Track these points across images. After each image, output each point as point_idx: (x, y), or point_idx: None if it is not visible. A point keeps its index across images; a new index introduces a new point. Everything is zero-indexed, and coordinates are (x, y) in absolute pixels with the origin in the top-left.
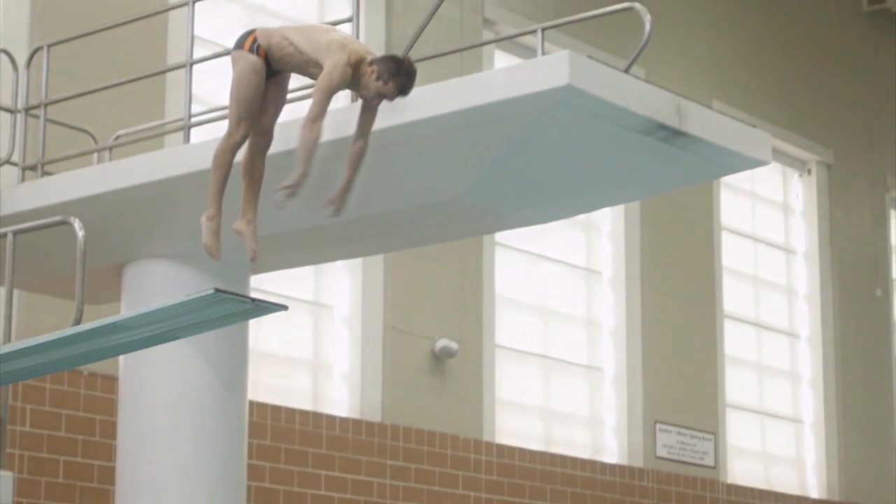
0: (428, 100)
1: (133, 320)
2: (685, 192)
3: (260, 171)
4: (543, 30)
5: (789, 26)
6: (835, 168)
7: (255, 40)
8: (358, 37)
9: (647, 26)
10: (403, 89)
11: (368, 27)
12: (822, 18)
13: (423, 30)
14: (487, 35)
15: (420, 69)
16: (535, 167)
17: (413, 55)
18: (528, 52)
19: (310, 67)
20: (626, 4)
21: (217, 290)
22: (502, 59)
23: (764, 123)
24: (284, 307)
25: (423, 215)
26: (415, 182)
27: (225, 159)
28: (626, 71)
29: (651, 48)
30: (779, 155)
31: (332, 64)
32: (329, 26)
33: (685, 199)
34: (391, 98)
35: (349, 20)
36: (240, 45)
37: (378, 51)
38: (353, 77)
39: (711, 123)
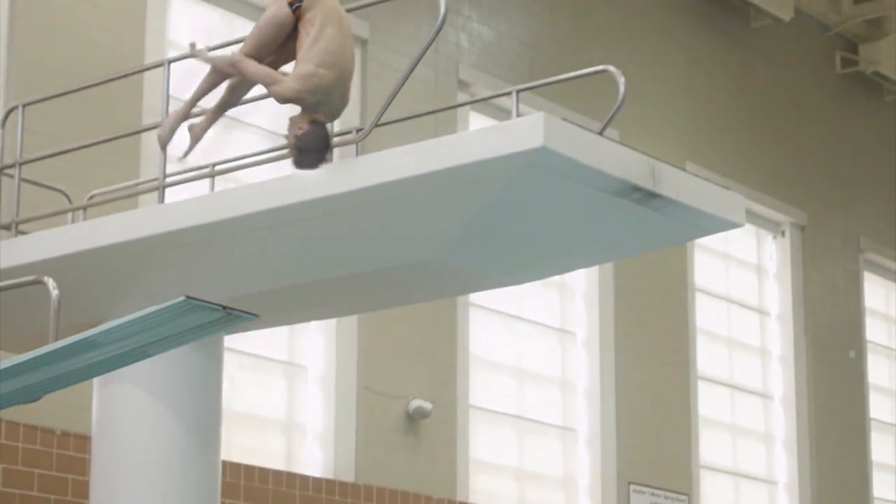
0: (403, 161)
1: (105, 335)
2: (659, 253)
3: (235, 101)
4: (518, 92)
5: (763, 88)
6: (808, 230)
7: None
8: None
9: (622, 88)
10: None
11: None
12: (795, 80)
13: (398, 91)
14: (462, 97)
15: (395, 130)
16: (510, 228)
17: (388, 116)
18: (503, 114)
19: None
20: (600, 67)
21: (188, 298)
22: (477, 121)
23: (737, 185)
24: (256, 315)
25: (398, 276)
26: (389, 242)
27: (220, 76)
28: (601, 133)
29: (625, 110)
30: (752, 217)
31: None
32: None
33: (659, 261)
34: (291, 154)
35: None
36: None
37: (353, 115)
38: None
39: (685, 185)
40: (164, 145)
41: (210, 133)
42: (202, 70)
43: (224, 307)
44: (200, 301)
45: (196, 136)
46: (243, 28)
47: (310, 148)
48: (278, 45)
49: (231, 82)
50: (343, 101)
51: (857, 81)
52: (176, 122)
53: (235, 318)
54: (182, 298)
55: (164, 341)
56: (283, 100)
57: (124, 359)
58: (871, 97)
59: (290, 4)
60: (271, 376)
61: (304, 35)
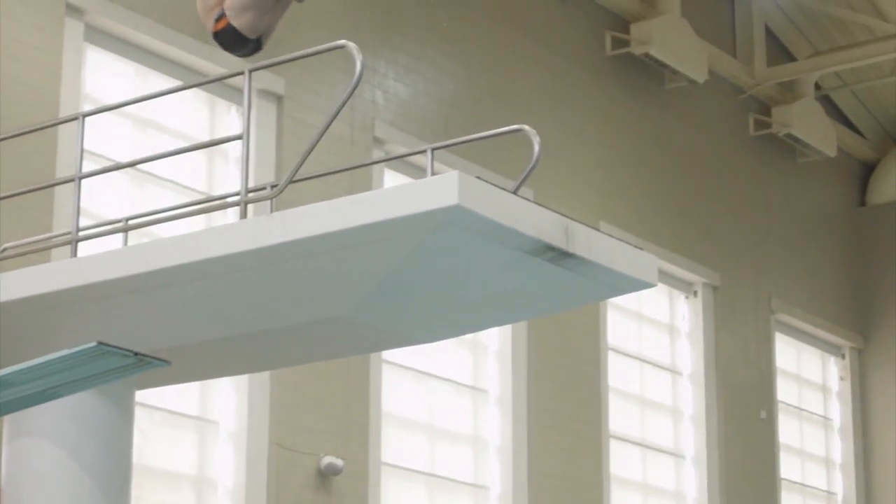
0: (318, 217)
1: (14, 375)
2: (572, 311)
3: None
4: (433, 150)
5: (677, 149)
6: (721, 290)
7: None
8: (248, 155)
9: (536, 148)
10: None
11: (259, 145)
12: (709, 142)
13: (313, 148)
14: (378, 154)
15: (310, 187)
16: (423, 286)
17: (303, 172)
18: (418, 172)
19: None
20: (515, 126)
21: (99, 343)
22: (392, 178)
23: (651, 245)
24: (168, 362)
25: (311, 332)
26: (303, 299)
27: None
28: (515, 192)
29: (540, 169)
30: (665, 276)
31: None
32: None
33: (572, 319)
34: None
35: (239, 137)
36: None
37: (268, 172)
38: None
39: (599, 245)
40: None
41: (124, 188)
42: (115, 124)
43: (136, 353)
44: (112, 346)
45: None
46: (159, 83)
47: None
48: None
49: None
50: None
51: (770, 143)
52: None
53: (147, 363)
54: (94, 343)
55: (76, 384)
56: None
57: (35, 399)
58: (784, 159)
59: None
60: (182, 431)
61: None
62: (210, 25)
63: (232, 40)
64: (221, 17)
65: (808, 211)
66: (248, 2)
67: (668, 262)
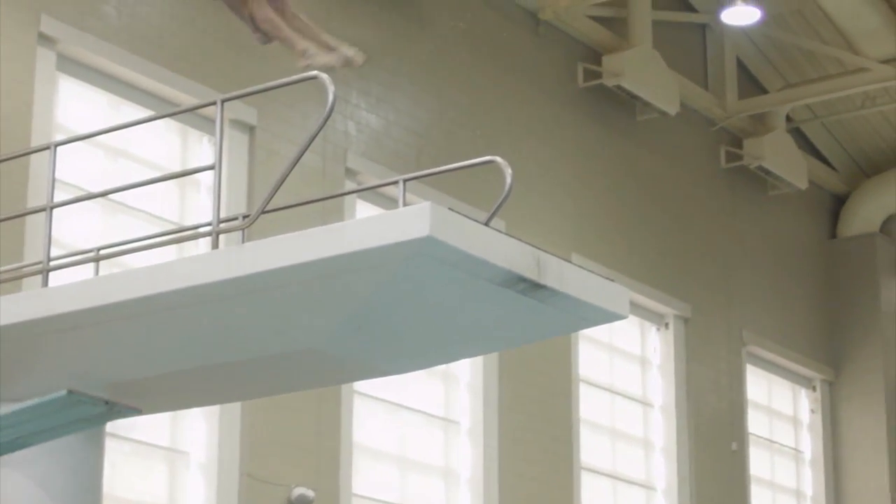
0: (289, 248)
1: None
2: (544, 343)
3: (295, 19)
4: (405, 181)
5: (649, 181)
6: (692, 322)
7: None
8: (220, 185)
9: (508, 179)
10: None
11: (231, 175)
12: (681, 174)
13: (285, 178)
14: (350, 185)
15: (282, 217)
16: (395, 317)
17: (275, 203)
18: (390, 203)
19: None
20: (487, 158)
21: (70, 392)
22: (364, 209)
23: (623, 277)
24: (139, 410)
25: (283, 363)
26: (274, 330)
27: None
28: (487, 223)
29: (512, 200)
30: (637, 308)
31: None
32: None
33: (544, 351)
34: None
35: (211, 168)
36: None
37: (240, 202)
38: None
39: (570, 277)
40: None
41: (95, 217)
42: (87, 154)
43: (106, 401)
44: (82, 395)
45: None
46: (131, 113)
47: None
48: None
49: None
50: None
51: (741, 175)
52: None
53: (117, 412)
54: (64, 392)
55: (46, 432)
56: None
57: (4, 448)
58: (755, 191)
59: None
60: (153, 462)
61: None
62: None
63: None
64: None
65: (779, 243)
66: None
67: (640, 294)
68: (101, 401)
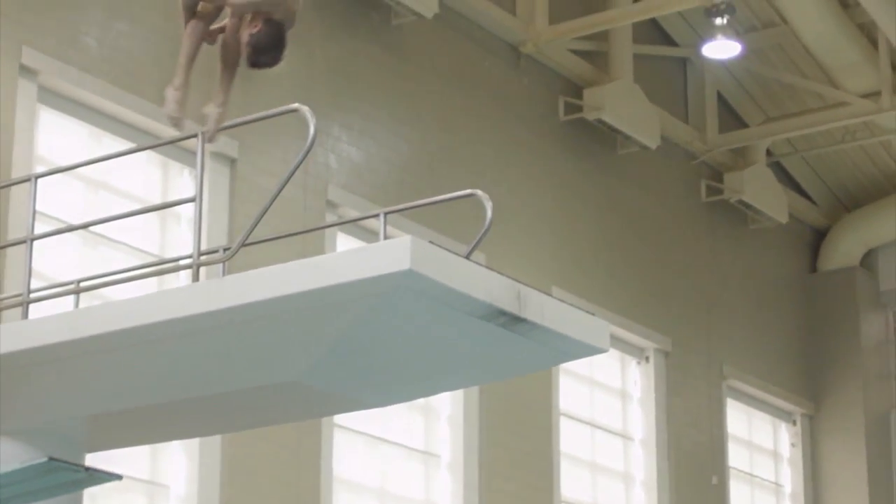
0: (270, 281)
1: None
2: (524, 376)
3: (234, 55)
4: (386, 214)
5: (630, 214)
6: (672, 356)
7: None
8: (201, 218)
9: (489, 213)
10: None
11: (212, 207)
12: (661, 207)
13: (265, 211)
14: (330, 217)
15: (263, 250)
16: (376, 351)
17: (256, 236)
18: (371, 236)
19: None
20: (468, 191)
21: (51, 459)
22: (345, 242)
23: (603, 310)
24: (119, 476)
25: (264, 396)
26: (255, 362)
27: (196, 28)
28: (468, 256)
29: (492, 233)
30: (617, 342)
31: None
32: None
33: (524, 384)
34: (245, 54)
35: (192, 200)
36: None
37: (220, 235)
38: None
39: (551, 310)
40: (177, 125)
41: (76, 250)
42: (68, 186)
43: (87, 468)
44: (63, 462)
45: (218, 115)
46: (112, 145)
47: (263, 47)
48: None
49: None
50: (297, 3)
51: (721, 209)
52: (182, 95)
53: (97, 478)
54: (45, 459)
55: (27, 495)
56: (239, 9)
57: None
58: (735, 225)
59: None
60: (133, 495)
61: None
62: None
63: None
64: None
65: (759, 277)
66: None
67: (620, 328)
68: (81, 467)
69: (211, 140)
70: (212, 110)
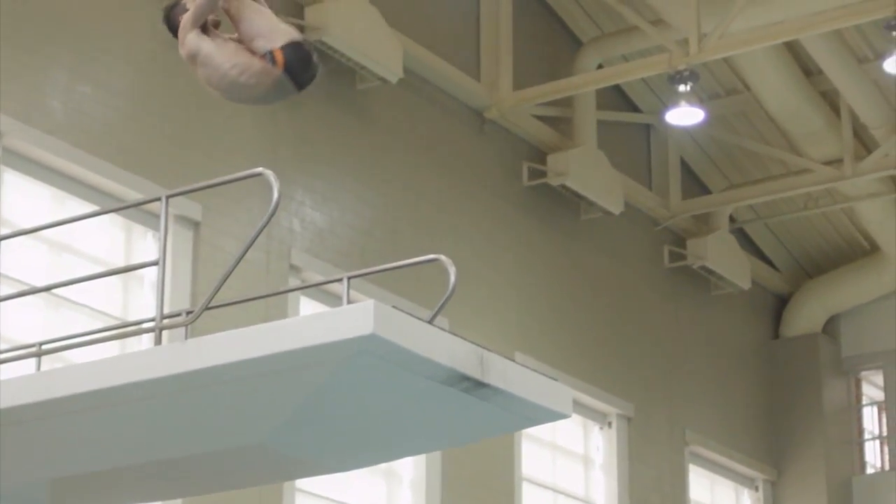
0: (232, 345)
1: None
2: (487, 441)
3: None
4: (349, 278)
5: (593, 280)
6: (635, 421)
7: None
8: (164, 281)
9: (452, 277)
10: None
11: (175, 270)
12: (624, 273)
13: (229, 275)
14: (294, 281)
15: (226, 314)
16: (338, 415)
17: (219, 299)
18: (334, 300)
19: None
20: (431, 256)
21: None
22: (308, 306)
23: (566, 376)
24: None
25: (226, 460)
26: (218, 426)
27: None
28: (431, 321)
29: (456, 298)
30: (580, 407)
31: None
32: None
33: (486, 449)
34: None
35: (155, 263)
36: None
37: (183, 298)
38: None
39: (513, 375)
40: None
41: (38, 312)
42: (31, 248)
43: None
44: None
45: None
46: (75, 208)
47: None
48: None
49: None
50: None
51: (684, 275)
52: None
53: None
54: None
55: None
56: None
57: None
58: (698, 291)
59: None
60: None
61: None
62: (269, 68)
63: (301, 60)
64: (269, 55)
65: (722, 343)
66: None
67: (583, 393)
68: None
69: None
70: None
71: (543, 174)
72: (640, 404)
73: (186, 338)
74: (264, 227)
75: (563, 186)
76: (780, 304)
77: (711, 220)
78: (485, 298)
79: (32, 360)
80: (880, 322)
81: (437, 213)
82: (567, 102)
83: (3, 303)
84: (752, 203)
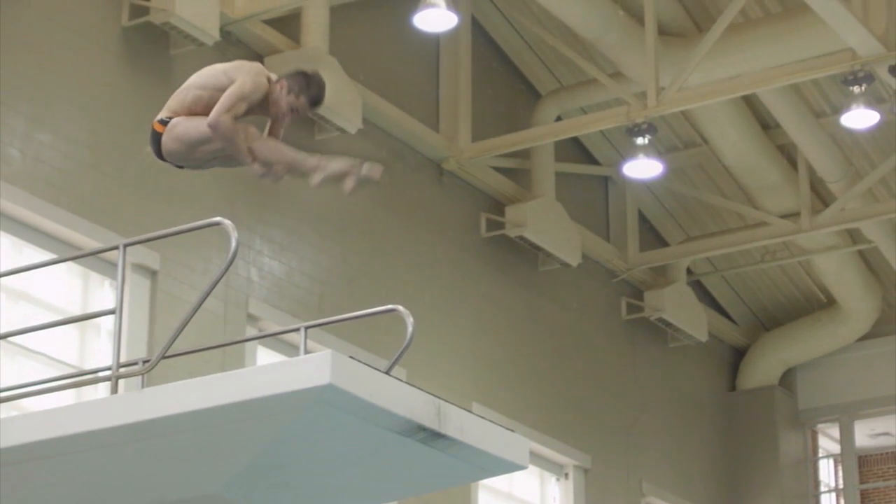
0: (188, 394)
1: None
2: (443, 492)
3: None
4: (307, 328)
5: (550, 331)
6: (592, 473)
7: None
8: (121, 329)
9: (410, 328)
10: (315, 101)
11: (132, 320)
12: (582, 325)
13: (186, 324)
14: (251, 331)
15: (182, 363)
16: (295, 465)
17: (176, 348)
18: (292, 350)
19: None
20: (389, 307)
21: None
22: (265, 356)
23: (523, 427)
24: None
25: None
26: (173, 475)
27: (235, 128)
28: (388, 372)
29: (413, 349)
30: (537, 458)
31: (249, 71)
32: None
33: (443, 500)
34: (303, 112)
35: (112, 312)
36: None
37: (140, 346)
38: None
39: (470, 426)
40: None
41: None
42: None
43: None
44: None
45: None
46: (33, 256)
47: (310, 85)
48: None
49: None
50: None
51: (641, 327)
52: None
53: None
54: None
55: None
56: (257, 87)
57: None
58: (655, 343)
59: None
60: None
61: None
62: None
63: (154, 143)
64: (163, 122)
65: (679, 395)
66: (185, 138)
67: (540, 444)
68: None
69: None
70: (338, 164)
71: (502, 225)
72: (596, 455)
73: (143, 386)
74: (222, 276)
75: (521, 238)
76: (737, 356)
77: (669, 273)
78: (442, 349)
79: None
80: (836, 375)
81: (396, 263)
82: (525, 154)
83: None
84: (710, 255)
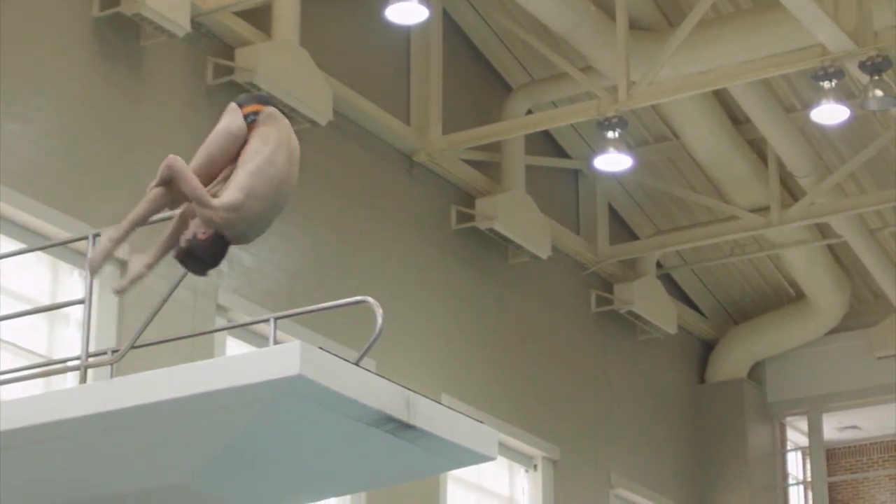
0: (157, 384)
1: None
2: (412, 483)
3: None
4: (276, 319)
5: (520, 323)
6: (560, 464)
7: (257, 113)
8: (90, 319)
9: (379, 319)
10: (187, 262)
11: (101, 310)
12: (551, 317)
13: (155, 314)
14: (220, 321)
15: (151, 353)
16: (264, 455)
17: (145, 338)
18: (261, 341)
19: None
20: (358, 298)
21: None
22: (235, 346)
23: (492, 418)
24: None
25: (149, 500)
26: (142, 465)
27: (163, 201)
28: (357, 363)
29: (383, 340)
30: (505, 450)
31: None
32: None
33: (411, 491)
34: (177, 249)
35: (81, 302)
36: (246, 103)
37: (109, 336)
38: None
39: (439, 417)
40: (94, 271)
41: None
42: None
43: None
44: None
45: (138, 273)
46: (2, 245)
47: (196, 257)
48: (229, 160)
49: (175, 222)
50: (263, 230)
51: (611, 320)
52: (112, 248)
53: None
54: None
55: None
56: (209, 225)
57: None
58: (625, 336)
59: (245, 117)
60: None
61: (254, 151)
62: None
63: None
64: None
65: (648, 387)
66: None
67: (509, 436)
68: None
69: (119, 292)
70: (138, 265)
71: (472, 218)
72: (565, 447)
73: (112, 376)
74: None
75: (491, 230)
76: (706, 349)
77: (638, 266)
78: (412, 340)
79: None
80: (805, 368)
81: (365, 255)
82: (496, 147)
83: None
84: (679, 249)
